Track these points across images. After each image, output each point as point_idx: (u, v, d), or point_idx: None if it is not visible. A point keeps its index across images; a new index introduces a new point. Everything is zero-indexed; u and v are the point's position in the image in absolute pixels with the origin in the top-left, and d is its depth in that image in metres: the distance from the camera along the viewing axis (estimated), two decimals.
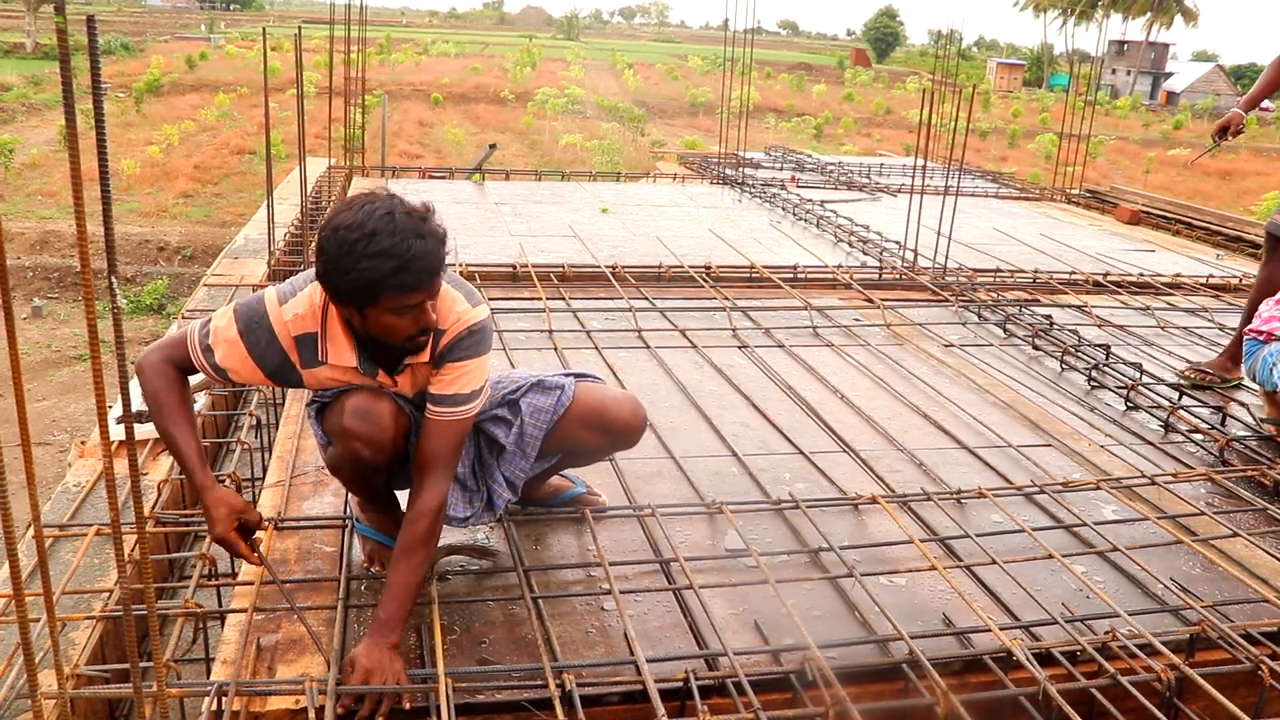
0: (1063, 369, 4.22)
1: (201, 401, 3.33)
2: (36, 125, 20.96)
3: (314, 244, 1.95)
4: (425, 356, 2.06)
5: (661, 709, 1.81)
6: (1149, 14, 53.70)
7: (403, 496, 2.40)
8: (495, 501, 2.32)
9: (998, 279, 5.68)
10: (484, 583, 2.30)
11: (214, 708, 1.77)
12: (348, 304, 1.92)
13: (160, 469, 2.95)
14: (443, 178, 8.65)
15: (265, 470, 2.97)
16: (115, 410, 3.04)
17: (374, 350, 2.06)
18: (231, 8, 78.06)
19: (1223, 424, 3.54)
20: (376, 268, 1.83)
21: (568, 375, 2.37)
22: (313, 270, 1.99)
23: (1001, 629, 2.15)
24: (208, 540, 2.37)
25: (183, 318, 4.48)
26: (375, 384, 2.09)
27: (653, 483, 2.88)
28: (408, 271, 1.85)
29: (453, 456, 2.07)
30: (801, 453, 3.16)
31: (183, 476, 2.88)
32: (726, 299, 4.87)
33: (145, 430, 3.10)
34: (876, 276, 5.63)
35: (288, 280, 2.11)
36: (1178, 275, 6.07)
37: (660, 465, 3.00)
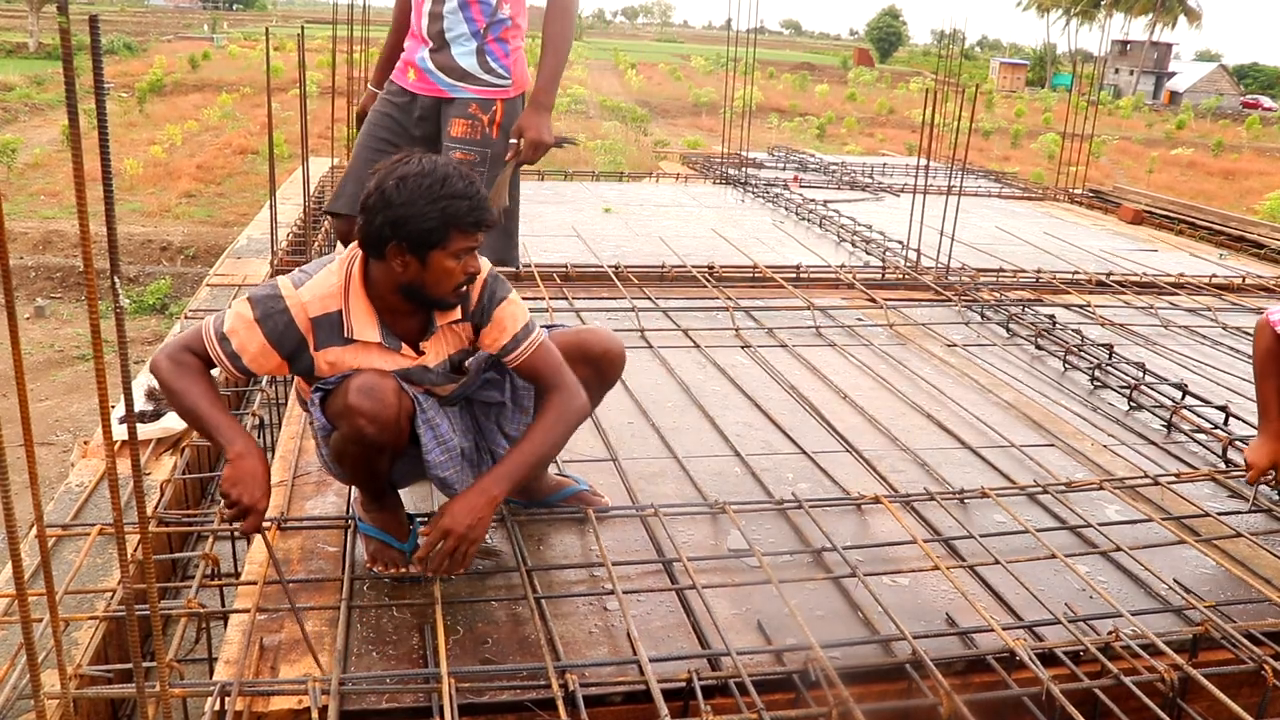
0: (1066, 369, 4.22)
1: None
2: (39, 125, 20.98)
3: (365, 200, 2.01)
4: (458, 313, 2.15)
5: (665, 709, 1.81)
6: (1152, 14, 53.63)
7: (405, 495, 2.41)
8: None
9: (1001, 279, 5.68)
10: (487, 582, 2.30)
11: (217, 708, 1.77)
12: (415, 247, 1.99)
13: (163, 469, 2.95)
14: None
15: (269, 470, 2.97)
16: (118, 410, 3.04)
17: (396, 322, 2.12)
18: (234, 8, 78.12)
19: (1225, 424, 3.53)
20: (454, 206, 1.98)
21: (539, 326, 2.40)
22: (325, 258, 2.10)
23: (1004, 629, 2.15)
24: (210, 540, 2.38)
25: (185, 317, 4.49)
26: (401, 358, 2.13)
27: (656, 483, 2.88)
28: (478, 210, 2.01)
29: (562, 366, 2.22)
30: (804, 452, 3.15)
31: (185, 476, 2.88)
32: (729, 299, 4.87)
33: (148, 430, 3.11)
34: (879, 276, 5.63)
35: (296, 269, 2.15)
36: (1181, 275, 6.06)
37: (663, 465, 3.00)
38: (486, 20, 2.87)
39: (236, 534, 2.55)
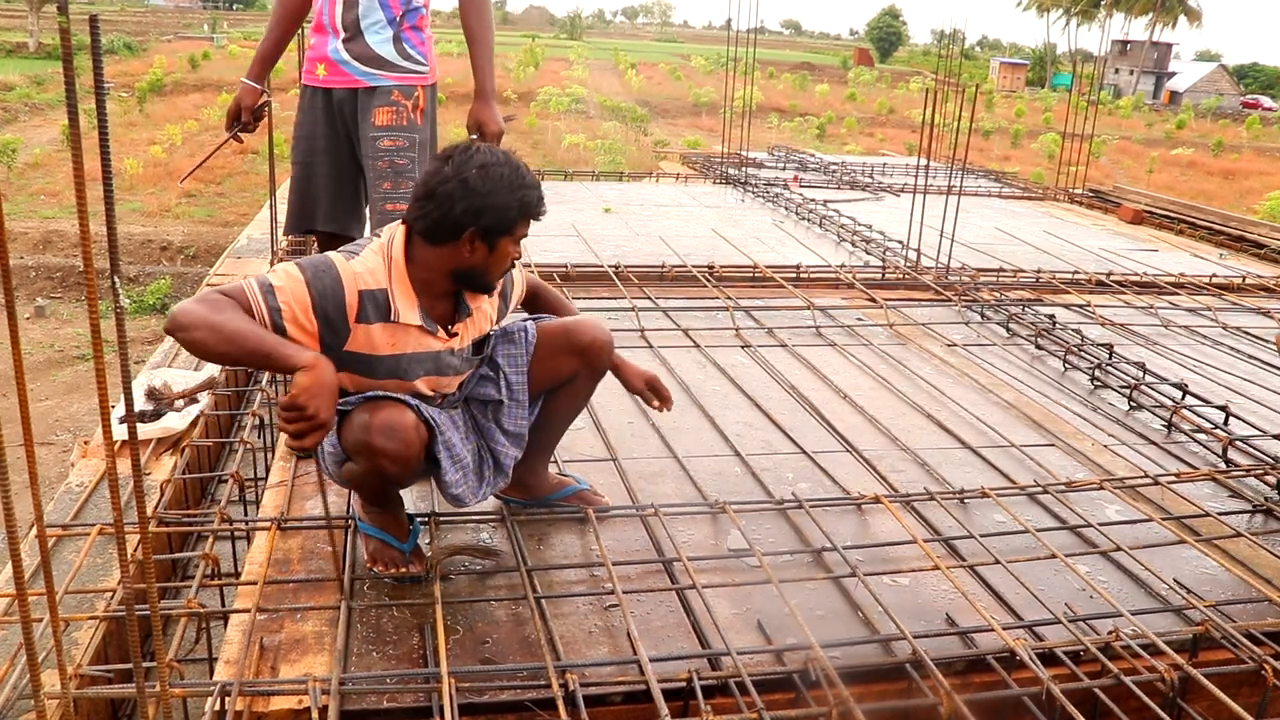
0: (1066, 368, 4.22)
1: (204, 401, 3.33)
2: (39, 125, 20.98)
3: (437, 188, 2.06)
4: (492, 294, 2.28)
5: (665, 709, 1.81)
6: (1152, 13, 53.62)
7: (405, 495, 2.40)
8: (504, 462, 2.38)
9: (1001, 279, 5.68)
10: (487, 582, 2.30)
11: (217, 708, 1.77)
12: (492, 234, 2.08)
13: (163, 469, 2.96)
14: None
15: (268, 470, 2.97)
16: (118, 410, 3.04)
17: (433, 306, 2.16)
18: (234, 8, 78.11)
19: (1225, 424, 3.53)
20: (529, 196, 2.11)
21: (526, 319, 2.45)
22: (364, 240, 2.15)
23: (1005, 629, 2.15)
24: (210, 540, 2.38)
25: None
26: (436, 341, 2.18)
27: (656, 482, 2.88)
28: (542, 200, 2.16)
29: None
30: (804, 452, 3.15)
31: (185, 476, 2.88)
32: (729, 299, 4.87)
33: (148, 430, 3.11)
34: (879, 276, 5.63)
35: (343, 246, 2.17)
36: (1181, 274, 6.06)
37: (663, 465, 3.00)
38: (403, 8, 2.84)
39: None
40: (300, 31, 3.15)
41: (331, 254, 2.12)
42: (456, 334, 2.22)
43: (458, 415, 2.34)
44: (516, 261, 2.25)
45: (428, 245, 2.10)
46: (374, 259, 2.11)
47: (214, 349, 1.91)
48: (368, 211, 2.92)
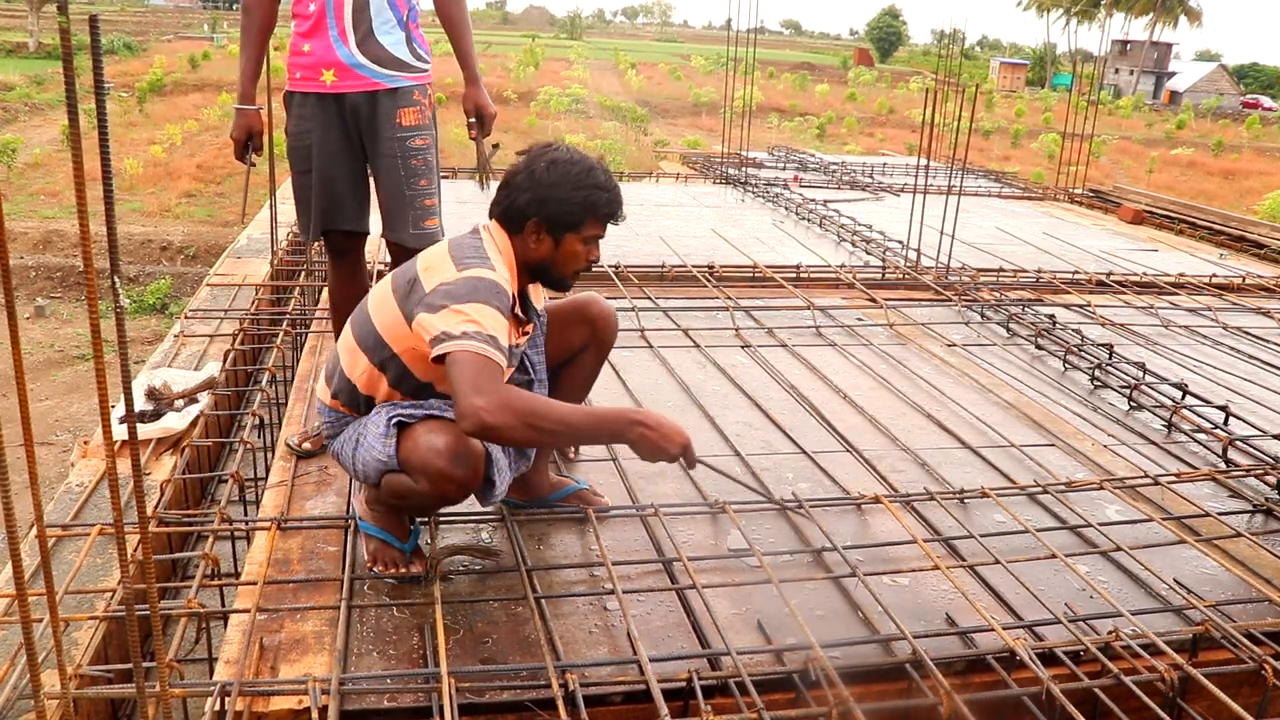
0: (1066, 368, 4.22)
1: (204, 401, 3.33)
2: (39, 125, 20.99)
3: (511, 178, 2.19)
4: (566, 291, 2.37)
5: (665, 709, 1.81)
6: (1152, 13, 53.62)
7: None
8: (528, 449, 2.42)
9: (1001, 279, 5.68)
10: (487, 582, 2.30)
11: (217, 708, 1.77)
12: (553, 227, 2.17)
13: (163, 469, 2.96)
14: (446, 177, 8.65)
15: (268, 470, 2.97)
16: (118, 410, 3.04)
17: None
18: (234, 7, 78.07)
19: (1225, 424, 3.53)
20: (595, 196, 2.17)
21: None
22: (468, 239, 2.18)
23: (1005, 629, 2.15)
24: (210, 540, 2.38)
25: (185, 317, 4.49)
26: (519, 334, 2.28)
27: (655, 482, 2.88)
28: (615, 204, 2.21)
29: None
30: (804, 452, 3.15)
31: (185, 476, 2.88)
32: (729, 298, 4.87)
33: (148, 430, 3.11)
34: (879, 276, 5.63)
35: (456, 250, 2.16)
36: (1181, 275, 6.06)
37: (663, 465, 2.99)
38: (408, 7, 2.86)
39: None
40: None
41: (482, 272, 2.08)
42: (527, 332, 2.32)
43: None
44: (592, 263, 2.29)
45: (506, 234, 2.21)
46: (498, 258, 2.17)
47: (547, 438, 2.06)
48: (392, 208, 2.90)
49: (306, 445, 2.90)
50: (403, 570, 2.25)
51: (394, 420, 2.12)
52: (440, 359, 2.00)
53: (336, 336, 3.03)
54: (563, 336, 2.52)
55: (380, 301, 2.21)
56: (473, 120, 3.06)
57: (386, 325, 2.17)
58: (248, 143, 2.96)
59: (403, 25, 2.84)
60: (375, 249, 4.36)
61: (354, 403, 2.27)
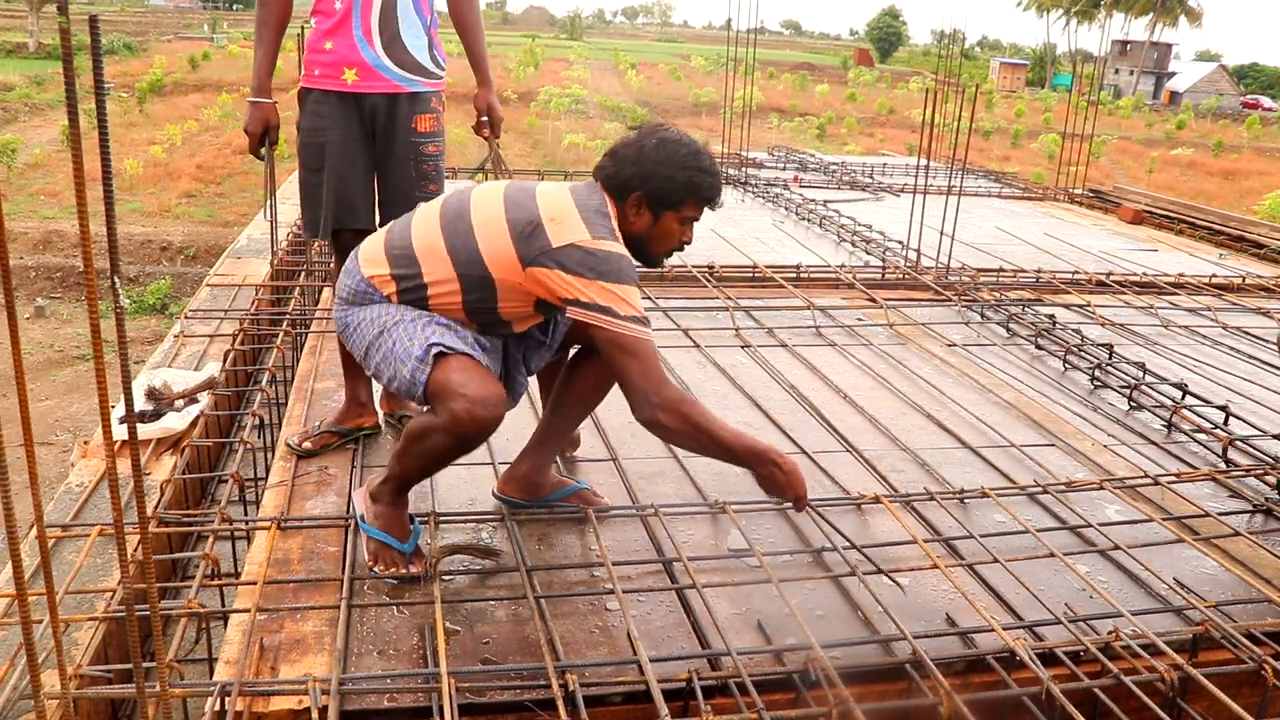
0: (1066, 368, 4.22)
1: (204, 401, 3.33)
2: (39, 125, 21.00)
3: (619, 150, 2.28)
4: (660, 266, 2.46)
5: (665, 709, 1.80)
6: (1152, 14, 53.63)
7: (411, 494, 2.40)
8: (517, 390, 2.47)
9: (1001, 279, 5.68)
10: (487, 582, 2.30)
11: (217, 708, 1.77)
12: (654, 203, 2.25)
13: (163, 469, 2.96)
14: (446, 177, 8.65)
15: (268, 470, 2.97)
16: (118, 410, 3.04)
17: None
18: (234, 8, 78.10)
19: (1225, 424, 3.53)
20: (699, 179, 2.25)
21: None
22: (593, 204, 2.23)
23: (1005, 629, 2.15)
24: (210, 540, 2.38)
25: (185, 317, 4.49)
26: None
27: (655, 482, 2.88)
28: (716, 189, 2.29)
29: None
30: (804, 452, 3.15)
31: (185, 476, 2.88)
32: (729, 299, 4.87)
33: (148, 430, 3.11)
34: (879, 276, 5.63)
35: (583, 209, 2.22)
36: (1181, 275, 6.06)
37: (663, 465, 3.00)
38: (430, 13, 2.88)
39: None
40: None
41: (615, 246, 2.21)
42: None
43: (498, 343, 2.39)
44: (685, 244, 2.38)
45: (611, 202, 2.27)
46: (615, 228, 2.26)
47: (694, 451, 2.29)
48: (396, 209, 2.91)
49: (307, 445, 2.90)
50: (403, 571, 2.25)
51: (434, 350, 2.14)
52: (584, 324, 2.16)
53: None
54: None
55: (488, 224, 2.22)
56: (484, 119, 3.14)
57: (493, 252, 2.20)
58: (264, 136, 2.97)
59: (425, 31, 2.86)
60: None
61: (408, 296, 2.26)
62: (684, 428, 2.18)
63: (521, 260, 2.18)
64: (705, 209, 2.32)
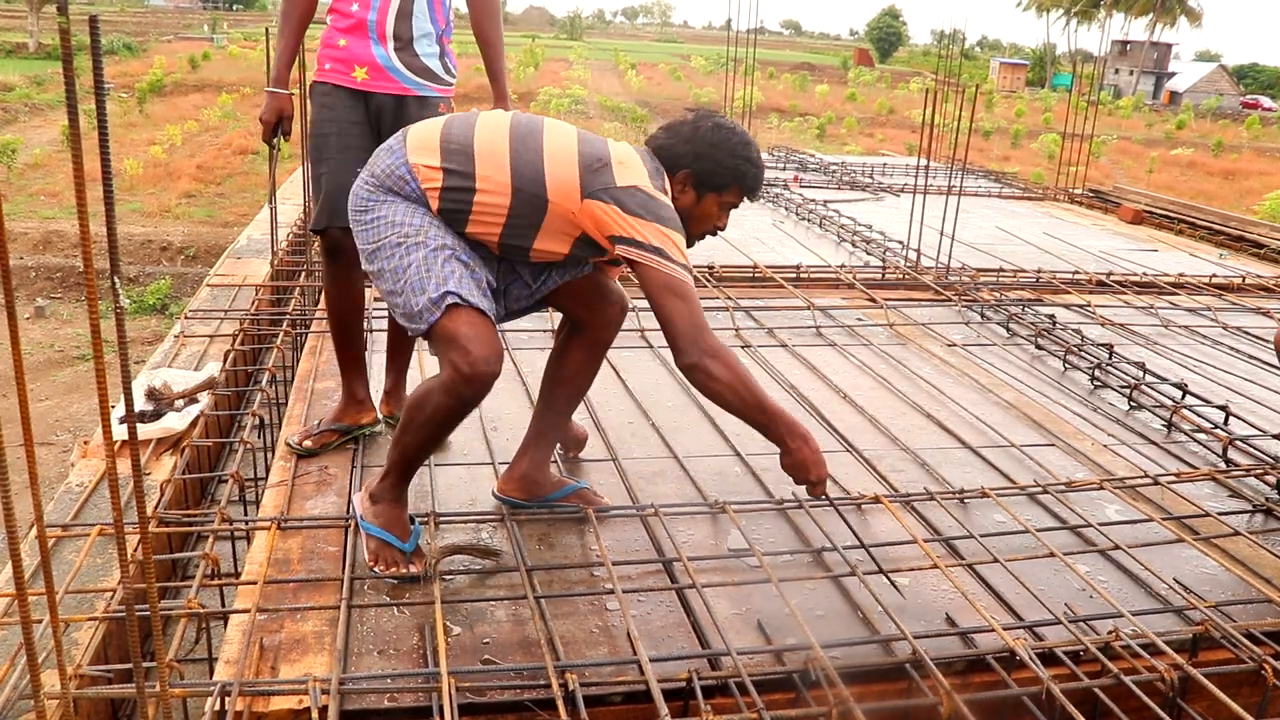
0: (1066, 368, 4.22)
1: (204, 401, 3.33)
2: (39, 125, 21.00)
3: (676, 125, 2.37)
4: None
5: (665, 709, 1.80)
6: (1152, 14, 53.63)
7: (408, 495, 2.40)
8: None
9: (1001, 279, 5.68)
10: (487, 582, 2.30)
11: (217, 708, 1.77)
12: (700, 184, 2.33)
13: (163, 469, 2.96)
14: None
15: (268, 470, 2.97)
16: (118, 410, 3.04)
17: None
18: (234, 8, 78.11)
19: (1225, 424, 3.53)
20: (747, 167, 2.35)
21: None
22: (652, 168, 2.29)
23: (1005, 629, 2.15)
24: (210, 540, 2.38)
25: (185, 317, 4.49)
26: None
27: (655, 482, 2.88)
28: (759, 181, 2.41)
29: None
30: None
31: (185, 476, 2.88)
32: (729, 299, 4.87)
33: (148, 430, 3.11)
34: (879, 276, 5.63)
35: (649, 165, 2.30)
36: (1181, 275, 6.07)
37: (663, 465, 3.00)
38: (445, 21, 2.89)
39: (238, 534, 2.57)
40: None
41: (670, 203, 2.27)
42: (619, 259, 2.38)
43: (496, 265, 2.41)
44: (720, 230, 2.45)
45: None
46: (666, 185, 2.31)
47: (736, 401, 2.29)
48: None
49: (308, 444, 2.90)
50: (403, 570, 2.25)
51: (449, 300, 2.14)
52: (632, 262, 2.20)
53: (334, 334, 3.04)
54: (586, 291, 2.52)
55: (558, 150, 2.24)
56: None
57: (557, 177, 2.22)
58: (277, 125, 2.99)
59: (438, 39, 2.89)
60: None
61: (450, 200, 2.24)
62: (729, 377, 2.21)
63: (583, 190, 2.21)
64: (745, 199, 2.41)
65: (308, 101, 2.95)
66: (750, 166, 2.35)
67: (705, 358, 2.19)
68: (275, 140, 3.03)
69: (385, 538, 2.28)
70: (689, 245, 2.38)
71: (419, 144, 2.26)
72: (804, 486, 2.49)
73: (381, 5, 2.77)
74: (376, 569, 2.26)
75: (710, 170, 2.32)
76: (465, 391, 2.14)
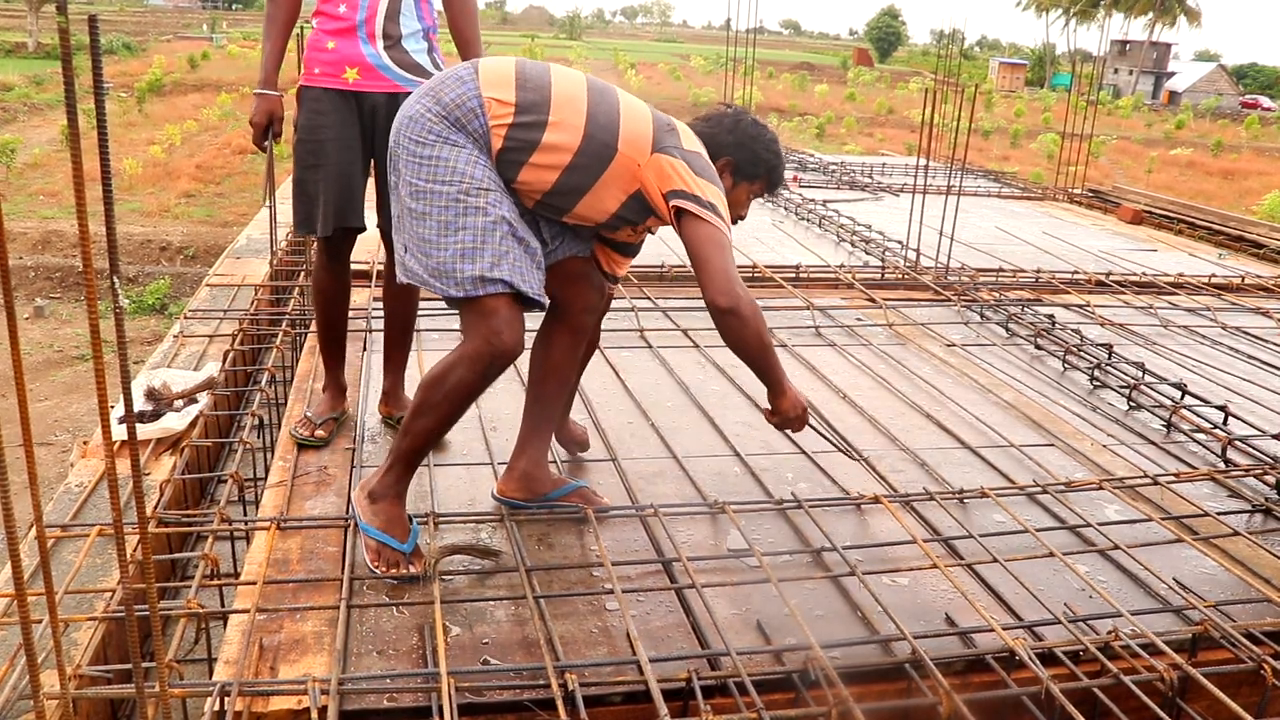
0: (1065, 368, 4.22)
1: (203, 401, 3.33)
2: (39, 125, 20.99)
3: (717, 117, 2.53)
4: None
5: (664, 709, 1.80)
6: (1151, 14, 53.65)
7: (407, 495, 2.40)
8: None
9: (1000, 278, 5.68)
10: (487, 582, 2.30)
11: (216, 708, 1.76)
12: (737, 172, 2.50)
13: (162, 469, 2.96)
14: None
15: (268, 470, 2.97)
16: (117, 410, 3.04)
17: None
18: (234, 8, 78.08)
19: (1225, 424, 3.54)
20: (777, 163, 2.55)
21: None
22: (676, 137, 2.36)
23: (1004, 629, 2.15)
24: (210, 540, 2.37)
25: (184, 317, 4.49)
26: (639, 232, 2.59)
27: (655, 483, 2.88)
28: (782, 178, 2.60)
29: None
30: (804, 452, 3.15)
31: (184, 476, 2.88)
32: None
33: (147, 430, 3.11)
34: (879, 276, 5.63)
35: (701, 145, 2.42)
36: (1180, 274, 6.07)
37: (663, 465, 3.00)
38: (431, 19, 2.91)
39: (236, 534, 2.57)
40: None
41: (715, 172, 2.37)
42: (644, 228, 2.56)
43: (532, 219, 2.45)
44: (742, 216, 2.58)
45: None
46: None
47: (753, 348, 2.43)
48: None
49: (320, 433, 2.95)
50: (403, 570, 2.25)
51: (499, 287, 2.19)
52: (681, 217, 2.29)
53: (320, 327, 3.07)
54: (572, 273, 2.57)
55: (633, 111, 2.35)
56: None
57: (630, 130, 2.31)
58: (268, 128, 3.00)
59: (425, 36, 2.90)
60: (375, 249, 4.36)
61: (517, 137, 2.25)
62: (754, 322, 2.33)
63: (654, 145, 2.32)
64: (765, 195, 2.62)
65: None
66: (780, 163, 2.55)
67: (739, 300, 2.28)
68: (267, 143, 3.04)
69: (383, 539, 2.27)
70: None
71: (493, 78, 2.28)
72: (786, 430, 2.65)
73: (370, 5, 2.77)
74: (376, 569, 2.26)
75: (749, 160, 2.49)
76: (490, 367, 2.21)
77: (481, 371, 2.20)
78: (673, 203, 2.28)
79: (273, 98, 2.96)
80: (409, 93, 2.86)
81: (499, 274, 2.19)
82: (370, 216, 2.98)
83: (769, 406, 2.62)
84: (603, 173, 2.30)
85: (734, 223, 2.49)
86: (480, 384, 2.23)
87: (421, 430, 2.27)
